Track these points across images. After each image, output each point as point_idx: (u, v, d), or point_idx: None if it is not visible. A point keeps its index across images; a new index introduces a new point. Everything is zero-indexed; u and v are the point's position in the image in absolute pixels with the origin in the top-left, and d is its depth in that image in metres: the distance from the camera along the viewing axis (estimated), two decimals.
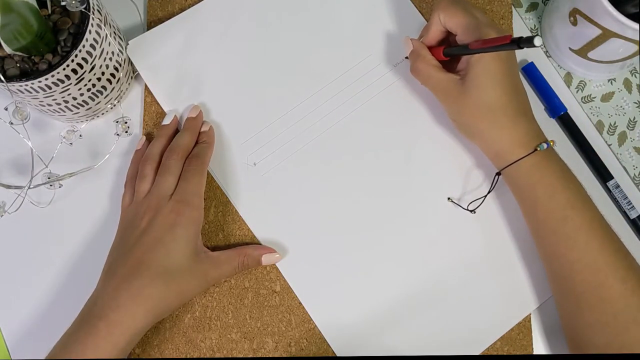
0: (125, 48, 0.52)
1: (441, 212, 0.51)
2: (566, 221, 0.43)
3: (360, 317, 0.49)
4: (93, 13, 0.44)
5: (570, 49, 0.51)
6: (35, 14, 0.42)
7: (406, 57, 0.52)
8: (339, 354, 0.48)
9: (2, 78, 0.42)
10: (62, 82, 0.44)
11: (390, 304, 0.49)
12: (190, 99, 0.53)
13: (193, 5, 0.55)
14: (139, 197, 0.48)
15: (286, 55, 0.54)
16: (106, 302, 0.43)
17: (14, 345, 0.50)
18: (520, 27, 0.55)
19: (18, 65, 0.43)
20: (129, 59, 0.53)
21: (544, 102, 0.53)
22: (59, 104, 0.47)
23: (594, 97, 0.53)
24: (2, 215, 0.50)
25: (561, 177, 0.45)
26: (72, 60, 0.43)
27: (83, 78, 0.45)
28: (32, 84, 0.42)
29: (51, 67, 0.42)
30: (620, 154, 0.52)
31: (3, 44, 0.41)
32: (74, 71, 0.44)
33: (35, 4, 0.43)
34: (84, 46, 0.43)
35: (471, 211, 0.50)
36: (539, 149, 0.44)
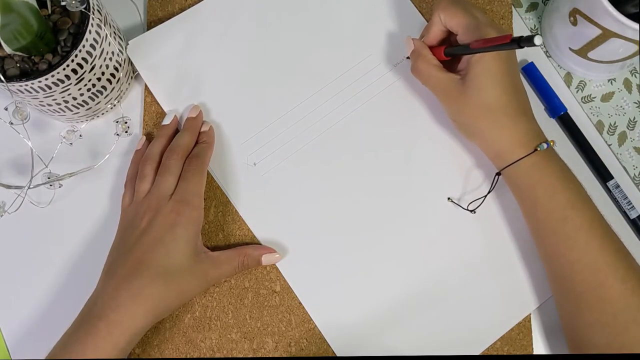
0: (125, 48, 0.52)
1: (441, 212, 0.51)
2: (566, 221, 0.43)
3: (360, 317, 0.49)
4: (93, 13, 0.44)
5: (570, 49, 0.51)
6: (35, 14, 0.42)
7: (407, 57, 0.52)
8: (339, 354, 0.48)
9: (2, 78, 0.42)
10: (62, 82, 0.44)
11: (390, 304, 0.49)
12: (190, 99, 0.53)
13: (193, 5, 0.55)
14: (139, 197, 0.48)
15: (286, 55, 0.54)
16: (106, 302, 0.43)
17: (14, 345, 0.50)
18: (520, 27, 0.55)
19: (18, 65, 0.43)
20: (129, 59, 0.53)
21: (544, 102, 0.53)
22: (59, 104, 0.47)
23: (594, 97, 0.53)
24: (2, 215, 0.50)
25: (561, 177, 0.45)
26: (72, 60, 0.43)
27: (83, 78, 0.45)
28: (32, 84, 0.42)
29: (51, 67, 0.42)
30: (620, 154, 0.52)
31: (3, 44, 0.41)
32: (74, 71, 0.44)
33: (35, 4, 0.43)
34: (84, 46, 0.43)
35: (471, 211, 0.50)
36: (539, 149, 0.44)
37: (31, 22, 0.42)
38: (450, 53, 0.48)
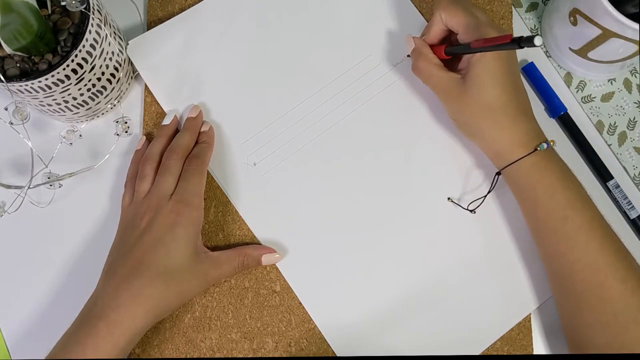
0: (125, 48, 0.52)
1: (441, 212, 0.51)
2: (566, 221, 0.43)
3: (360, 317, 0.49)
4: (93, 13, 0.44)
5: (570, 49, 0.51)
6: (35, 14, 0.42)
7: (408, 56, 0.52)
8: (339, 354, 0.48)
9: (2, 78, 0.42)
10: (62, 82, 0.44)
11: (390, 304, 0.49)
12: (190, 99, 0.53)
13: (193, 5, 0.55)
14: (139, 197, 0.48)
15: (286, 55, 0.54)
16: (106, 302, 0.43)
17: (14, 345, 0.50)
18: (520, 27, 0.55)
19: (18, 65, 0.43)
20: (129, 59, 0.53)
21: (544, 102, 0.53)
22: (59, 104, 0.47)
23: (594, 97, 0.53)
24: (2, 215, 0.50)
25: (561, 177, 0.45)
26: (72, 60, 0.43)
27: (83, 78, 0.45)
28: (32, 84, 0.42)
29: (51, 67, 0.42)
30: (620, 154, 0.52)
31: (3, 44, 0.41)
32: (74, 71, 0.44)
33: (35, 4, 0.43)
34: (84, 46, 0.43)
35: (471, 211, 0.50)
36: (539, 148, 0.44)
37: (31, 22, 0.42)
38: (451, 52, 0.48)
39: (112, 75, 0.49)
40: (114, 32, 0.49)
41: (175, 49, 0.54)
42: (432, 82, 0.48)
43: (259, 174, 0.52)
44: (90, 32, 0.43)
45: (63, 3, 0.42)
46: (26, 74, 0.43)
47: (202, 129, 0.52)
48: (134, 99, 0.54)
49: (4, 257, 0.51)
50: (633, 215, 0.50)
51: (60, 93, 0.45)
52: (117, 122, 0.51)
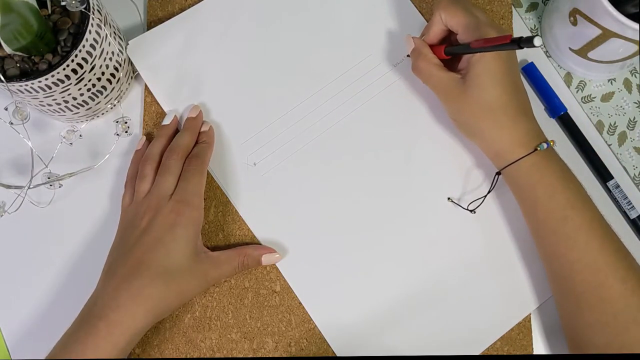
0: (125, 48, 0.52)
1: (441, 212, 0.51)
2: (566, 221, 0.43)
3: (360, 317, 0.49)
4: (93, 13, 0.44)
5: (570, 49, 0.51)
6: (35, 14, 0.42)
7: (408, 56, 0.52)
8: (339, 354, 0.48)
9: (2, 78, 0.42)
10: (62, 82, 0.44)
11: (390, 304, 0.49)
12: (190, 99, 0.53)
13: (193, 5, 0.55)
14: (139, 197, 0.48)
15: (286, 55, 0.54)
16: (106, 302, 0.43)
17: (14, 345, 0.50)
18: (520, 27, 0.55)
19: (18, 65, 0.43)
20: (129, 59, 0.53)
21: (544, 102, 0.53)
22: (59, 104, 0.47)
23: (594, 97, 0.53)
24: (2, 215, 0.50)
25: (561, 177, 0.45)
26: (72, 60, 0.43)
27: (83, 78, 0.45)
28: (32, 84, 0.42)
29: (51, 67, 0.42)
30: (620, 154, 0.52)
31: (3, 44, 0.41)
32: (74, 71, 0.44)
33: (35, 4, 0.43)
34: (84, 46, 0.43)
35: (471, 211, 0.50)
36: (539, 148, 0.44)
37: (31, 22, 0.42)
38: (451, 52, 0.48)
39: (112, 75, 0.49)
40: (114, 32, 0.49)
41: (175, 49, 0.54)
42: (432, 82, 0.48)
43: (259, 174, 0.52)
44: (90, 32, 0.43)
45: (63, 3, 0.42)
46: (26, 74, 0.43)
47: (202, 129, 0.52)
48: (134, 99, 0.54)
49: (4, 257, 0.51)
50: (633, 215, 0.50)
51: (60, 93, 0.45)
52: (117, 122, 0.51)
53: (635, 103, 0.53)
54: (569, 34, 0.50)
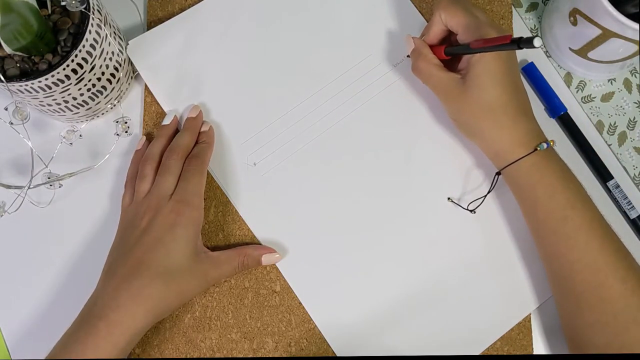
0: (125, 48, 0.52)
1: (441, 212, 0.51)
2: (566, 221, 0.43)
3: (360, 317, 0.49)
4: (93, 13, 0.44)
5: (570, 49, 0.51)
6: (35, 14, 0.42)
7: (408, 56, 0.52)
8: (339, 354, 0.48)
9: (2, 78, 0.42)
10: (62, 82, 0.44)
11: (390, 304, 0.49)
12: (190, 99, 0.53)
13: (193, 5, 0.55)
14: (139, 197, 0.48)
15: (286, 55, 0.54)
16: (106, 302, 0.43)
17: (14, 345, 0.50)
18: (520, 27, 0.55)
19: (18, 65, 0.43)
20: (129, 59, 0.53)
21: (544, 102, 0.53)
22: (59, 104, 0.47)
23: (594, 97, 0.53)
24: (2, 215, 0.50)
25: (561, 177, 0.45)
26: (72, 60, 0.43)
27: (83, 78, 0.45)
28: (32, 84, 0.42)
29: (51, 67, 0.42)
30: (620, 154, 0.52)
31: (3, 44, 0.41)
32: (74, 71, 0.44)
33: (35, 4, 0.43)
34: (84, 46, 0.43)
35: (471, 211, 0.50)
36: (539, 148, 0.44)
37: (31, 22, 0.42)
38: (451, 52, 0.48)
39: (112, 75, 0.49)
40: (114, 32, 0.49)
41: (175, 49, 0.54)
42: (432, 82, 0.48)
43: (259, 174, 0.52)
44: (90, 32, 0.43)
45: (63, 3, 0.42)
46: (26, 74, 0.43)
47: (202, 129, 0.52)
48: (134, 99, 0.54)
49: (4, 257, 0.51)
50: (633, 215, 0.50)
51: (60, 93, 0.45)
52: (117, 122, 0.51)
53: (635, 103, 0.53)
54: (569, 34, 0.50)
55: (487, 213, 0.50)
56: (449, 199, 0.51)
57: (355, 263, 0.50)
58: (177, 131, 0.52)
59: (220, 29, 0.55)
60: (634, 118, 0.53)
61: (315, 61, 0.54)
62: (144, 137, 0.52)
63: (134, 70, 0.54)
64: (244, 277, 0.50)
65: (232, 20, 0.55)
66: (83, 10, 0.43)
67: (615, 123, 0.53)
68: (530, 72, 0.53)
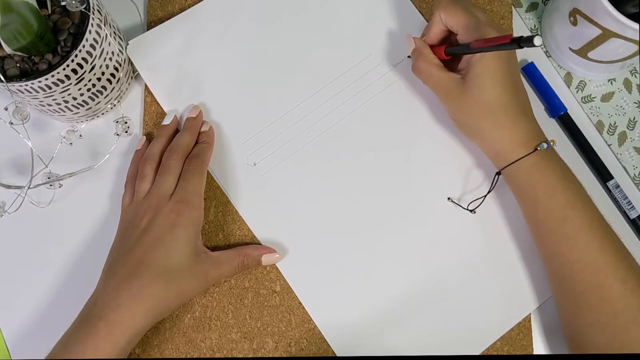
0: (125, 48, 0.52)
1: (441, 212, 0.51)
2: (566, 221, 0.43)
3: (360, 317, 0.49)
4: (93, 13, 0.44)
5: (570, 49, 0.51)
6: (35, 14, 0.42)
7: (408, 56, 0.52)
8: (339, 354, 0.48)
9: (2, 78, 0.42)
10: (62, 82, 0.44)
11: (390, 304, 0.49)
12: (190, 99, 0.53)
13: (193, 5, 0.55)
14: (139, 197, 0.48)
15: (286, 55, 0.54)
16: (106, 302, 0.43)
17: (14, 345, 0.50)
18: (520, 27, 0.55)
19: (18, 65, 0.43)
20: (129, 59, 0.53)
21: (544, 102, 0.53)
22: (59, 104, 0.47)
23: (594, 97, 0.53)
24: (2, 215, 0.50)
25: (561, 177, 0.45)
26: (72, 60, 0.43)
27: (83, 78, 0.45)
28: (32, 84, 0.42)
29: (51, 67, 0.42)
30: (620, 154, 0.52)
31: (3, 44, 0.41)
32: (74, 71, 0.44)
33: (35, 4, 0.43)
34: (84, 46, 0.43)
35: (471, 211, 0.50)
36: (539, 148, 0.44)
37: (31, 22, 0.42)
38: (451, 52, 0.48)
39: (112, 75, 0.49)
40: (114, 32, 0.49)
41: (175, 49, 0.54)
42: (432, 82, 0.48)
43: (259, 174, 0.52)
44: (90, 32, 0.43)
45: (63, 3, 0.42)
46: (26, 74, 0.43)
47: (202, 129, 0.52)
48: (134, 99, 0.54)
49: (4, 257, 0.51)
50: (633, 215, 0.50)
51: (60, 93, 0.45)
52: (117, 122, 0.51)
53: (635, 103, 0.53)
54: (569, 34, 0.50)
55: (487, 213, 0.50)
56: (449, 199, 0.51)
57: (355, 263, 0.50)
58: (177, 131, 0.52)
59: (220, 29, 0.55)
60: (634, 118, 0.53)
61: (315, 61, 0.54)
62: (144, 137, 0.52)
63: (134, 70, 0.54)
64: (244, 277, 0.50)
65: (232, 20, 0.55)
66: (83, 10, 0.43)
67: (615, 123, 0.53)
68: (530, 72, 0.53)
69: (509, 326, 0.49)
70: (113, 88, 0.50)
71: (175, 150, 0.49)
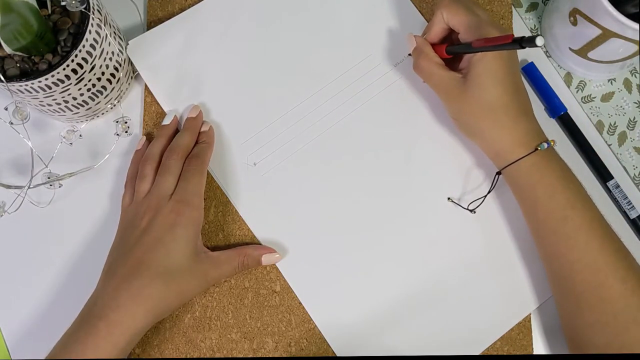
0: (125, 48, 0.52)
1: (441, 212, 0.51)
2: (566, 221, 0.43)
3: (360, 317, 0.49)
4: (93, 13, 0.44)
5: (570, 49, 0.51)
6: (35, 14, 0.42)
7: (409, 54, 0.52)
8: (339, 354, 0.48)
9: (2, 78, 0.41)
10: (62, 82, 0.44)
11: (390, 304, 0.49)
12: (190, 99, 0.53)
13: (193, 5, 0.55)
14: (139, 197, 0.48)
15: (286, 55, 0.54)
16: (106, 302, 0.43)
17: (14, 345, 0.50)
18: (520, 27, 0.55)
19: (18, 65, 0.43)
20: (129, 59, 0.53)
21: (544, 102, 0.53)
22: (59, 104, 0.47)
23: (594, 97, 0.54)
24: (2, 215, 0.50)
25: (561, 177, 0.45)
26: (72, 60, 0.43)
27: (83, 78, 0.45)
28: (32, 84, 0.42)
29: (51, 67, 0.42)
30: (620, 154, 0.52)
31: (3, 44, 0.41)
32: (74, 71, 0.44)
33: (35, 4, 0.43)
34: (84, 46, 0.43)
35: (471, 211, 0.50)
36: (539, 148, 0.44)
37: (31, 22, 0.42)
38: (452, 51, 0.48)
39: (112, 75, 0.49)
40: (114, 32, 0.49)
41: (175, 49, 0.54)
42: (433, 80, 0.48)
43: (259, 174, 0.52)
44: (90, 32, 0.43)
45: (63, 3, 0.42)
46: (26, 74, 0.43)
47: (202, 129, 0.52)
48: (134, 99, 0.54)
49: (4, 257, 0.51)
50: (633, 215, 0.50)
51: (60, 93, 0.45)
52: (117, 122, 0.51)
53: (635, 103, 0.53)
54: (569, 34, 0.50)
55: (487, 213, 0.50)
56: (449, 199, 0.51)
57: (355, 263, 0.50)
58: (177, 131, 0.52)
59: (220, 29, 0.55)
60: (634, 118, 0.53)
61: (315, 61, 0.54)
62: (144, 137, 0.52)
63: (134, 70, 0.54)
64: (244, 277, 0.50)
65: (232, 20, 0.55)
66: (83, 10, 0.43)
67: (615, 123, 0.53)
68: (531, 72, 0.53)
69: (509, 326, 0.49)
70: (113, 88, 0.50)
71: (175, 150, 0.49)
